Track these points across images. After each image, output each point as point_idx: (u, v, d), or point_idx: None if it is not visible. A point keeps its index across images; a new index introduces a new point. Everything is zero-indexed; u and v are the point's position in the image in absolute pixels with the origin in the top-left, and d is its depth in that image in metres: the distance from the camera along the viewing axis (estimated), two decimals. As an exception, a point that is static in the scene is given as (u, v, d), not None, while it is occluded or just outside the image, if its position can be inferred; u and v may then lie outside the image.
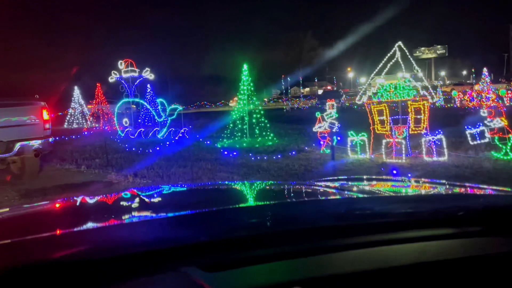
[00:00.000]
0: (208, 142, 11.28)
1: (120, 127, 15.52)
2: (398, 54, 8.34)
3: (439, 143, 7.88)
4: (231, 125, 12.57)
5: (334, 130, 9.45)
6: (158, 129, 14.58)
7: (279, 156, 8.87)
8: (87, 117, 23.51)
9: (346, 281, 0.89)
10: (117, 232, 0.96)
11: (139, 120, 17.78)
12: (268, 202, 1.44)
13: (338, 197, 1.50)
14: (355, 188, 1.75)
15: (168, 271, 0.84)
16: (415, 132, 8.27)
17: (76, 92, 24.66)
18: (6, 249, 0.82)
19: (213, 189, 2.01)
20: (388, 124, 8.54)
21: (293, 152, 9.56)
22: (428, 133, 8.02)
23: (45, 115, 7.50)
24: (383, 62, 8.51)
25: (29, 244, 0.85)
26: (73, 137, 12.01)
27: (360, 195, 1.50)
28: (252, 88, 12.41)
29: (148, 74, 15.23)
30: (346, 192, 1.61)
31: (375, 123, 8.76)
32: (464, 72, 79.36)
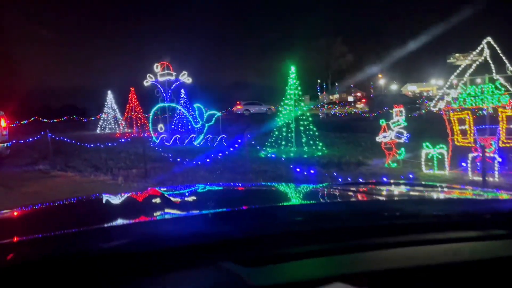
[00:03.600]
0: (257, 150, 10.22)
1: (154, 133, 14.78)
2: (487, 52, 7.03)
3: (542, 159, 6.51)
4: (276, 132, 11.48)
5: (402, 140, 8.22)
6: (194, 135, 13.70)
7: (338, 170, 7.70)
8: (119, 122, 22.98)
9: (382, 277, 0.90)
10: (155, 228, 0.97)
11: (172, 126, 17.02)
12: (300, 202, 1.48)
13: (370, 198, 1.50)
14: (384, 192, 1.77)
15: (207, 265, 0.84)
16: (507, 145, 6.92)
17: (110, 96, 24.19)
18: (49, 241, 0.84)
19: (245, 190, 2.00)
20: (471, 135, 7.24)
21: (352, 166, 8.37)
22: (527, 147, 6.67)
23: (3, 123, 8.37)
24: (467, 61, 7.22)
25: (71, 237, 0.87)
26: (109, 144, 11.21)
27: (392, 198, 1.58)
28: (300, 93, 11.29)
29: (185, 78, 14.40)
30: (377, 195, 1.66)
31: (455, 133, 7.47)
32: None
